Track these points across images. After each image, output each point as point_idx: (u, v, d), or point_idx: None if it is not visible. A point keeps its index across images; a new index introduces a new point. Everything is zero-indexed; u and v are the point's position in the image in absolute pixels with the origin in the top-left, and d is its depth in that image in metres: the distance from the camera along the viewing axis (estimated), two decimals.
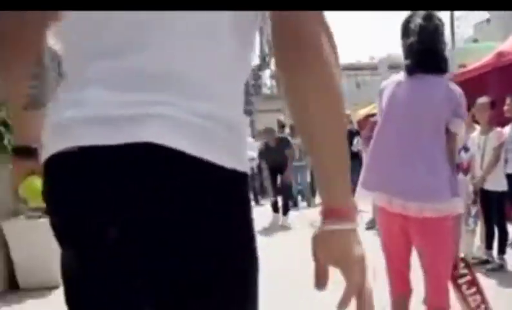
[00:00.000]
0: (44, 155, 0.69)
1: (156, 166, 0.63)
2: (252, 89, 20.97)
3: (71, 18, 0.71)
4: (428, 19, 1.84)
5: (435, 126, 1.77)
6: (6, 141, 3.52)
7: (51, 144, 0.68)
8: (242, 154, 0.71)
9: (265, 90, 23.72)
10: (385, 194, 1.79)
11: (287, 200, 7.06)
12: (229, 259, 0.68)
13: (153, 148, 0.62)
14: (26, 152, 0.91)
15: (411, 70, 1.84)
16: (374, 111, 9.78)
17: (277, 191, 6.98)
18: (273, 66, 24.17)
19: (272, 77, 23.91)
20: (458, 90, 1.83)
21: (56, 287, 3.13)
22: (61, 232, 0.70)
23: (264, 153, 7.09)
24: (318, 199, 7.82)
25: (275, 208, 6.94)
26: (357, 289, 0.68)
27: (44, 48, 0.84)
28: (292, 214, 7.14)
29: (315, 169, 0.74)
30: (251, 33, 0.75)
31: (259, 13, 0.73)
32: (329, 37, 0.69)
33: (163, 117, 0.64)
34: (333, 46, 0.69)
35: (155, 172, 0.63)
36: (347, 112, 8.48)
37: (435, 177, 1.71)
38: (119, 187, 0.64)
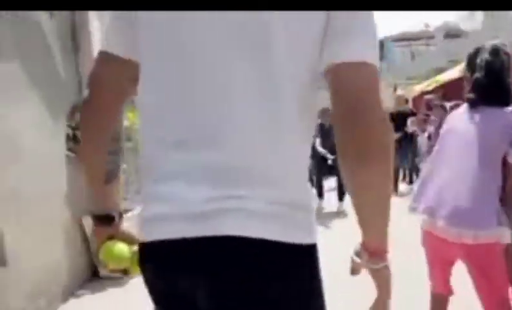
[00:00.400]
0: (141, 239, 0.85)
1: (235, 257, 0.74)
2: None
3: (145, 105, 0.84)
4: (495, 54, 1.84)
5: (490, 156, 1.78)
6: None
7: (145, 235, 0.83)
8: (312, 227, 0.82)
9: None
10: (431, 218, 1.86)
11: (342, 182, 6.68)
12: None
13: (232, 239, 0.73)
14: (106, 220, 1.01)
15: (473, 104, 1.87)
16: (430, 88, 9.50)
17: (326, 173, 6.54)
18: None
19: None
20: None
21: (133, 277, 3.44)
22: (153, 299, 0.88)
23: (319, 134, 6.76)
24: None
25: (319, 192, 6.55)
26: (383, 304, 0.89)
27: (120, 125, 0.99)
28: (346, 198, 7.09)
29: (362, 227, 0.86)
30: (313, 122, 0.87)
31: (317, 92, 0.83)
32: (390, 130, 0.77)
33: (239, 211, 0.74)
34: (392, 141, 0.78)
35: (233, 263, 0.74)
36: (401, 92, 8.30)
37: (480, 206, 1.73)
38: (197, 278, 0.76)
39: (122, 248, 1.01)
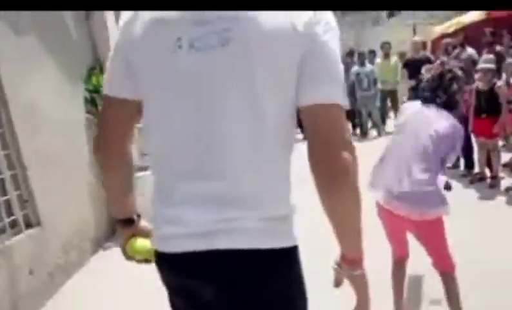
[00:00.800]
0: (158, 249, 1.04)
1: (227, 264, 0.95)
2: None
3: (155, 144, 1.01)
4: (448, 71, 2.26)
5: (434, 151, 2.08)
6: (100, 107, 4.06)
7: (160, 248, 1.03)
8: (291, 233, 1.00)
9: None
10: (386, 196, 2.14)
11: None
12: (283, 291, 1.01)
13: (225, 252, 0.94)
14: (128, 222, 1.21)
15: (424, 101, 2.22)
16: (450, 29, 9.15)
17: None
18: None
19: None
20: (458, 129, 2.13)
21: None
22: (167, 288, 1.10)
23: None
24: (388, 127, 7.88)
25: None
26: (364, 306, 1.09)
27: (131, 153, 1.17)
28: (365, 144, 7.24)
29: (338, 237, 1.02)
30: (292, 146, 1.01)
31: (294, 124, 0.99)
32: (354, 159, 0.93)
33: (232, 230, 0.94)
34: (356, 166, 0.94)
35: (226, 268, 0.95)
36: (419, 38, 8.05)
37: (426, 188, 2.06)
38: (199, 279, 0.98)
39: (143, 243, 1.20)
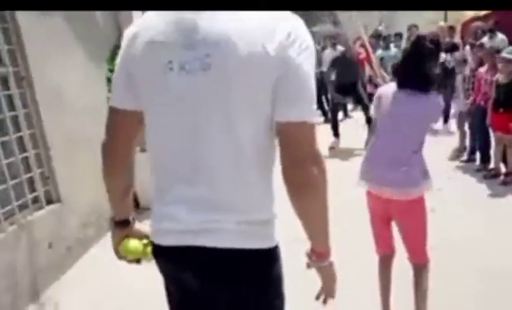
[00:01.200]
0: (155, 241, 1.19)
1: (211, 259, 1.10)
2: None
3: (154, 152, 1.15)
4: (415, 44, 2.18)
5: (414, 132, 2.17)
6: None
7: (157, 240, 1.19)
8: (271, 235, 1.15)
9: None
10: (374, 184, 2.23)
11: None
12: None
13: (210, 249, 1.09)
14: (123, 224, 1.33)
15: (399, 85, 2.20)
16: (482, 13, 8.80)
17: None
18: None
19: None
20: (437, 104, 2.18)
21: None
22: (163, 275, 1.26)
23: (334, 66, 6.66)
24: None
25: (335, 131, 6.57)
26: (329, 290, 1.27)
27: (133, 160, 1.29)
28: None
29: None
30: (272, 157, 1.13)
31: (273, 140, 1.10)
32: (322, 171, 1.06)
33: (217, 230, 1.08)
34: (324, 176, 1.07)
35: (210, 262, 1.11)
36: (445, 24, 7.81)
37: (408, 169, 2.14)
38: (188, 269, 1.15)
39: (136, 244, 1.32)
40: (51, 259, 3.25)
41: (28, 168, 3.26)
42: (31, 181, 3.27)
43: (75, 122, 3.65)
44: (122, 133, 1.22)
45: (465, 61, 5.78)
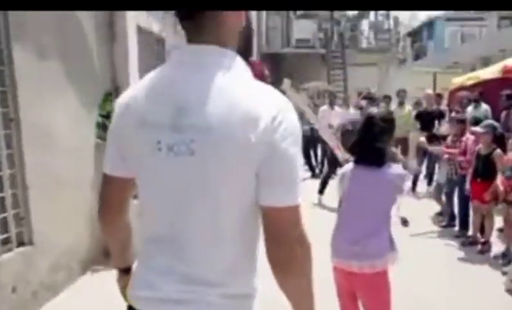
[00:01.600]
0: (134, 306, 1.19)
1: None
2: (348, 41, 20.00)
3: (144, 221, 1.19)
4: (368, 123, 2.33)
5: (377, 207, 2.26)
6: None
7: (136, 305, 1.18)
8: (250, 308, 1.16)
9: (363, 43, 22.19)
10: (341, 258, 2.30)
11: None
12: None
13: None
14: (126, 271, 1.42)
15: (356, 162, 2.35)
16: (470, 82, 9.15)
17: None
18: (372, 16, 22.66)
19: (370, 28, 22.46)
20: (398, 175, 2.27)
21: None
22: None
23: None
24: None
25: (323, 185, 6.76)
26: None
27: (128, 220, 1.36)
28: None
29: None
30: (255, 235, 1.14)
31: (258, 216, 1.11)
32: (305, 251, 1.09)
33: (199, 301, 1.10)
34: (308, 255, 1.10)
35: None
36: (431, 91, 8.10)
37: (374, 242, 2.23)
38: None
39: None
40: (13, 304, 3.15)
41: (3, 209, 3.23)
42: (4, 222, 3.23)
43: (59, 163, 3.67)
44: (115, 198, 1.30)
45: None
